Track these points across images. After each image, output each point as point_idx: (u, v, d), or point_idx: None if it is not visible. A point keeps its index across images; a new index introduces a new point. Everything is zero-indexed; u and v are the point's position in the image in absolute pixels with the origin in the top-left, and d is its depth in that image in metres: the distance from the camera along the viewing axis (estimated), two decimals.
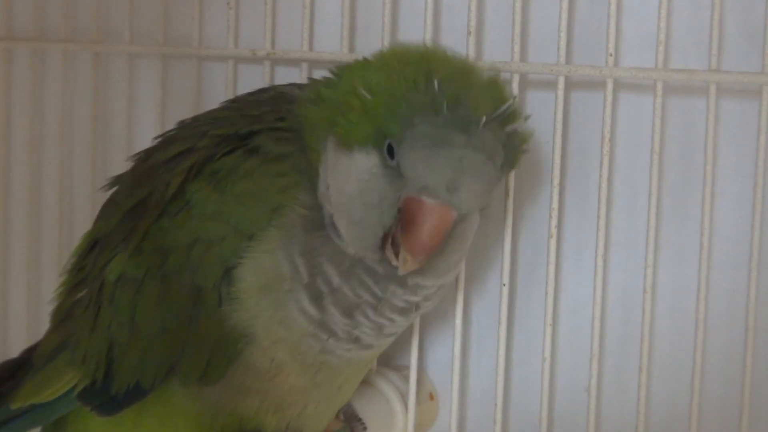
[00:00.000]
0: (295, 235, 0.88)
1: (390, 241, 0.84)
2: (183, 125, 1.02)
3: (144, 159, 1.01)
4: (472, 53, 1.08)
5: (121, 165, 1.24)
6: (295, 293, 0.88)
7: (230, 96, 1.19)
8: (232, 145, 0.92)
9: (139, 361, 0.94)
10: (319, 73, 1.14)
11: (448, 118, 0.82)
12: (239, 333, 0.90)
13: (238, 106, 1.00)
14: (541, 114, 1.14)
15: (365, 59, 0.92)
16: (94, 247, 1.01)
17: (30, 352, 1.07)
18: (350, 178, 0.85)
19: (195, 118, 1.02)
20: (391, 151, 0.83)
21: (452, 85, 0.83)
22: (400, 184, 0.83)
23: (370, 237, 0.85)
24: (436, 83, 0.83)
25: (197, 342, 0.91)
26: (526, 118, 0.89)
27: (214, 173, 0.91)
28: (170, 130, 1.02)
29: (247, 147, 0.91)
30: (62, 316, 1.03)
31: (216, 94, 1.22)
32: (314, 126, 0.91)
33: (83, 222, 1.28)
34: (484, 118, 0.82)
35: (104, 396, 0.97)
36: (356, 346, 0.92)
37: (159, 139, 1.02)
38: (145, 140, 1.25)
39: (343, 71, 0.93)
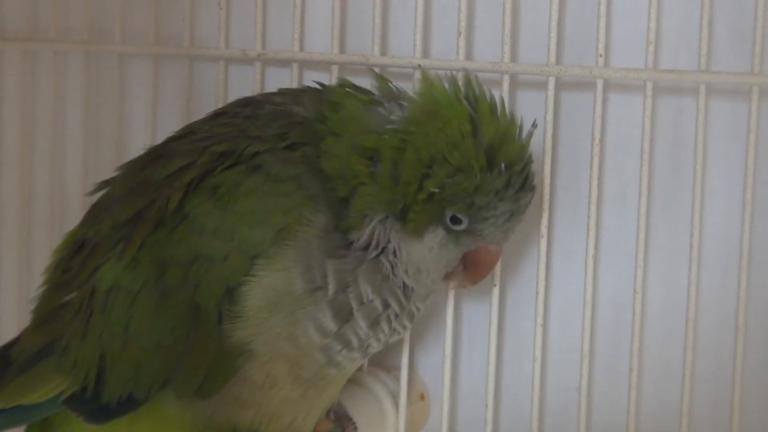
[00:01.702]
0: (314, 255, 0.90)
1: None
2: (176, 138, 1.01)
3: (140, 170, 0.99)
4: (462, 54, 1.08)
5: (112, 165, 1.24)
6: (314, 310, 0.90)
7: (221, 96, 1.20)
8: (232, 161, 0.92)
9: (132, 373, 0.94)
10: (310, 74, 1.15)
11: (513, 190, 0.91)
12: (239, 349, 0.90)
13: (237, 122, 0.98)
14: (531, 114, 1.14)
15: (399, 125, 0.93)
16: (80, 249, 1.00)
17: (6, 348, 1.05)
18: (423, 255, 0.94)
19: (190, 131, 1.00)
20: (455, 220, 0.92)
21: (506, 153, 0.91)
22: (467, 241, 0.94)
23: (435, 283, 0.98)
24: (503, 166, 0.90)
25: (195, 357, 0.91)
26: (533, 125, 0.96)
27: (214, 188, 0.91)
28: (163, 143, 1.02)
29: (249, 164, 0.91)
30: (46, 316, 1.01)
31: (207, 94, 1.22)
32: (365, 201, 0.93)
33: (74, 222, 1.28)
34: (521, 166, 0.92)
35: (94, 404, 0.96)
36: (361, 355, 0.96)
37: (152, 152, 1.01)
38: (137, 140, 1.26)
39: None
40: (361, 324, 0.93)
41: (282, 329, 0.90)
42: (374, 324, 0.94)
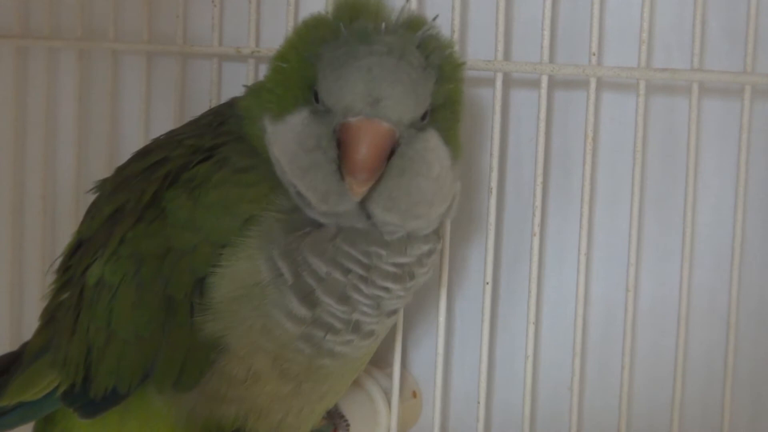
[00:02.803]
0: (274, 239, 0.87)
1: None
2: (156, 139, 1.02)
3: (125, 167, 1.01)
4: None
5: (105, 162, 1.25)
6: (280, 298, 0.88)
7: (215, 93, 1.20)
8: (204, 155, 0.92)
9: (115, 366, 0.94)
10: None
11: (347, 36, 0.84)
12: (212, 342, 0.89)
13: (200, 122, 1.01)
14: (524, 113, 1.15)
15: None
16: (79, 247, 1.01)
17: (27, 345, 1.07)
18: (289, 138, 0.87)
19: (170, 132, 1.02)
20: (316, 95, 0.86)
21: (348, 9, 0.87)
22: (329, 119, 0.85)
23: (327, 179, 0.85)
24: (329, 14, 0.87)
25: (170, 350, 0.91)
26: (434, 18, 0.90)
27: (189, 181, 0.91)
28: (148, 144, 1.03)
29: (216, 158, 0.91)
30: (48, 316, 1.04)
31: (201, 92, 1.22)
32: (252, 114, 0.92)
33: (67, 219, 1.28)
34: (383, 24, 0.84)
35: (83, 399, 0.97)
36: (357, 336, 0.92)
37: (137, 151, 1.02)
38: (130, 137, 1.26)
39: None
40: (330, 302, 0.88)
41: (254, 322, 0.88)
42: (343, 298, 0.88)
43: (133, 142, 1.22)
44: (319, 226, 0.88)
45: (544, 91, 1.07)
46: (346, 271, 0.88)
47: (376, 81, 0.82)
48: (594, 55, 1.06)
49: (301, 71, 0.87)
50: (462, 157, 0.94)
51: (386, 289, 0.90)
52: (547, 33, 1.07)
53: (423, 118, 0.86)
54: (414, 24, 0.87)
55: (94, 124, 1.30)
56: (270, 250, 0.87)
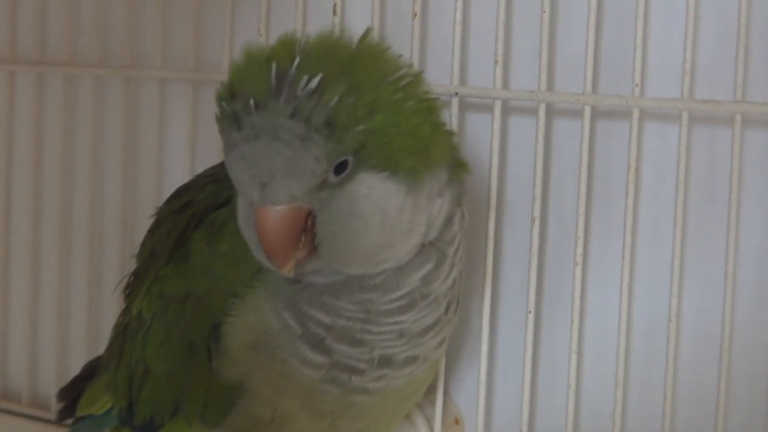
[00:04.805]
0: (278, 291, 0.87)
1: None
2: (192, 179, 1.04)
3: (163, 205, 1.03)
4: (499, 82, 1.09)
5: (151, 190, 1.26)
6: (292, 347, 0.87)
7: None
8: (224, 199, 0.93)
9: (150, 398, 0.97)
10: None
11: (225, 120, 0.79)
12: (232, 386, 0.90)
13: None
14: (566, 143, 1.15)
15: None
16: (135, 274, 1.05)
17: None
18: (241, 211, 0.85)
19: (200, 173, 1.04)
20: None
21: (231, 81, 0.81)
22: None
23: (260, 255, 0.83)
24: (223, 102, 0.80)
25: (192, 389, 0.93)
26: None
27: (211, 224, 0.92)
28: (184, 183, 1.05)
29: (231, 205, 0.90)
30: (112, 334, 1.07)
31: None
32: None
33: (113, 246, 1.30)
34: (252, 101, 0.77)
35: (130, 423, 1.00)
36: (391, 368, 0.89)
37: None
38: (176, 166, 1.28)
39: None
40: (342, 348, 0.86)
41: (271, 368, 0.88)
42: (356, 342, 0.86)
43: (180, 170, 1.24)
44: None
45: (587, 122, 1.07)
46: (348, 319, 0.86)
47: (252, 169, 0.77)
48: (637, 86, 1.07)
49: None
50: (438, 166, 0.86)
51: (398, 322, 0.87)
52: (590, 64, 1.07)
53: (339, 171, 0.79)
54: (296, 83, 0.77)
55: (141, 152, 1.31)
56: (275, 301, 0.87)
